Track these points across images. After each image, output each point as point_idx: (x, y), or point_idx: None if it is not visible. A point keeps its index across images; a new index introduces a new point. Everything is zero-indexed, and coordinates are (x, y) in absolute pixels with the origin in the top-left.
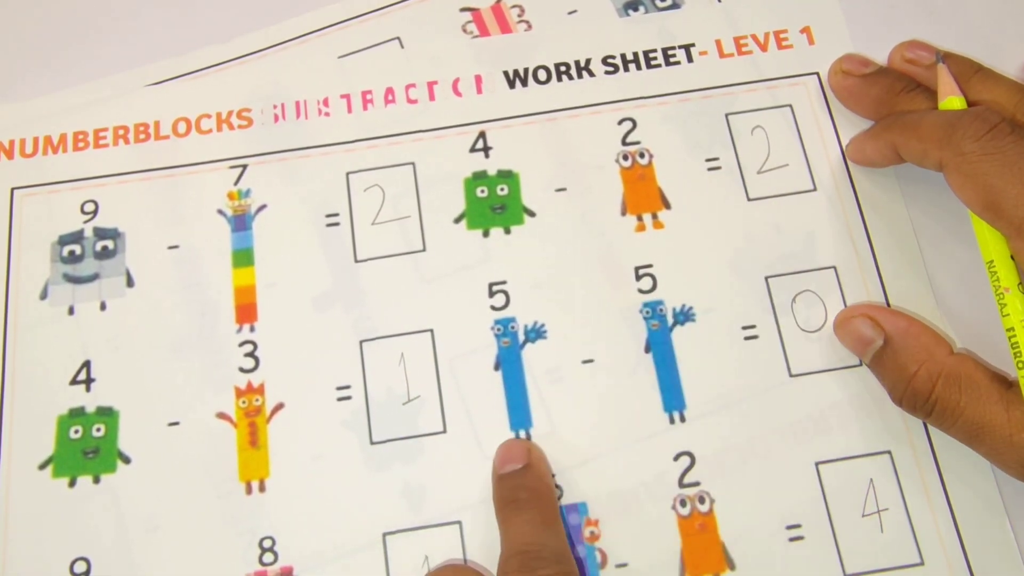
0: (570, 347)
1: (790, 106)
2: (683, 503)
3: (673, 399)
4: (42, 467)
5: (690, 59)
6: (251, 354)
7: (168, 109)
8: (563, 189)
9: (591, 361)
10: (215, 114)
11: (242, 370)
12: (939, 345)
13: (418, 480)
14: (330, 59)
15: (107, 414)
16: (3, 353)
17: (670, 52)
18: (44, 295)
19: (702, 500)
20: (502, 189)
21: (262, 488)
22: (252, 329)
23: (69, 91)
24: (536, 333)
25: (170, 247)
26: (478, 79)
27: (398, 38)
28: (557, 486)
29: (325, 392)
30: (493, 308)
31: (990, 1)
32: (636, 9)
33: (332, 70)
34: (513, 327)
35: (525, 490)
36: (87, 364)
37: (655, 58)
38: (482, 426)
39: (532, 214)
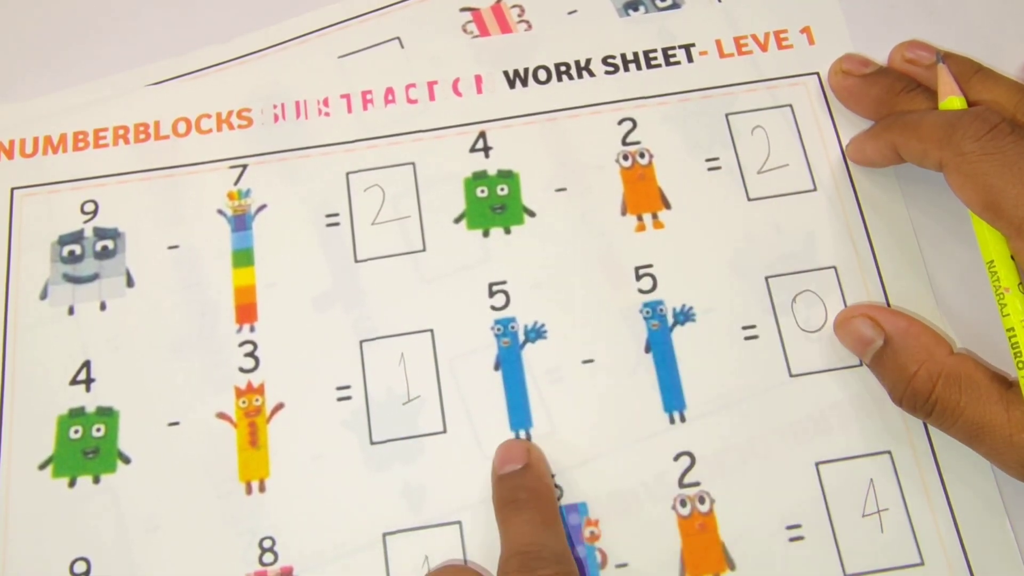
0: (570, 347)
1: (790, 106)
2: (683, 503)
3: (673, 399)
4: (42, 467)
5: (690, 59)
6: (251, 354)
7: (168, 109)
8: (563, 189)
9: (591, 361)
10: (215, 114)
11: (242, 370)
12: (939, 345)
13: (418, 480)
14: (330, 59)
15: (107, 414)
16: (3, 353)
17: (670, 52)
18: (44, 295)
19: (702, 500)
20: (502, 189)
21: (262, 488)
22: (252, 329)
23: (69, 91)
24: (536, 333)
25: (170, 247)
26: (478, 79)
27: (398, 38)
28: (557, 486)
29: (325, 392)
30: (493, 308)
31: (990, 1)
32: (636, 9)
33: (332, 70)
34: (513, 327)
35: (525, 490)
36: (87, 364)
37: (655, 58)
38: (482, 426)
39: (532, 214)
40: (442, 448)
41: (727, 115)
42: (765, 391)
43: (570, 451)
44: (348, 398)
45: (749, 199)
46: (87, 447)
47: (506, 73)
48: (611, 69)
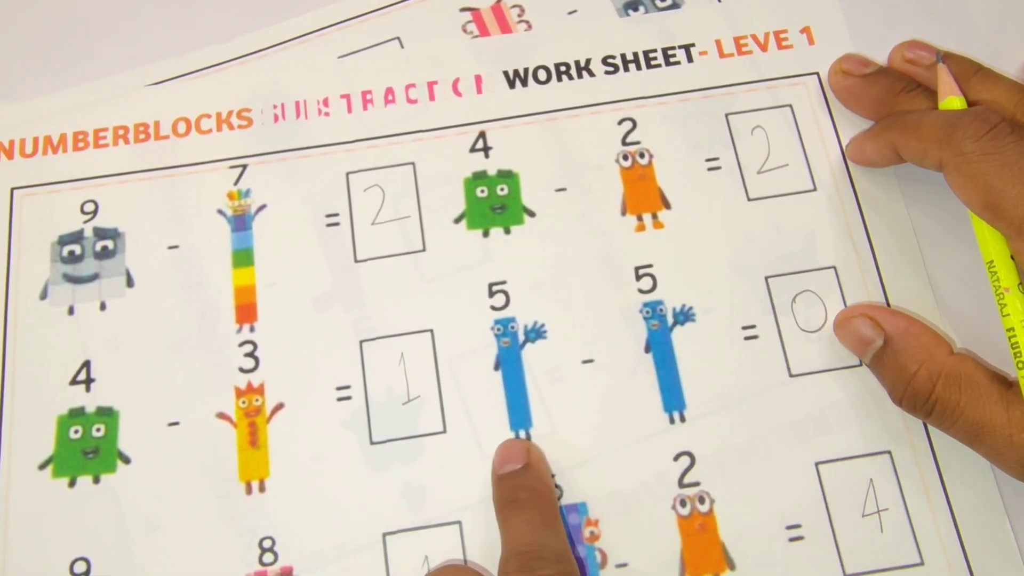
0: (570, 347)
1: (790, 106)
2: (683, 503)
3: (673, 399)
4: (42, 467)
5: (690, 59)
6: (251, 354)
7: (168, 109)
8: (563, 189)
9: (591, 361)
10: (215, 114)
11: (242, 370)
12: (939, 345)
13: (418, 480)
14: (330, 59)
15: (107, 414)
16: (3, 353)
17: (670, 52)
18: (44, 295)
19: (702, 500)
20: (502, 189)
21: (262, 488)
22: (252, 329)
23: (69, 91)
24: (536, 333)
25: (170, 247)
26: (478, 79)
27: (398, 38)
28: (557, 486)
29: (325, 392)
30: (493, 308)
31: (990, 1)
32: (636, 9)
33: (332, 70)
34: (513, 327)
35: (525, 490)
36: (87, 364)
37: (655, 58)
38: (482, 426)
39: (532, 214)
40: (442, 448)
41: (727, 115)
42: (765, 391)
43: (570, 451)
44: (348, 398)
45: (749, 199)
46: (87, 447)
47: (506, 73)
48: (611, 69)
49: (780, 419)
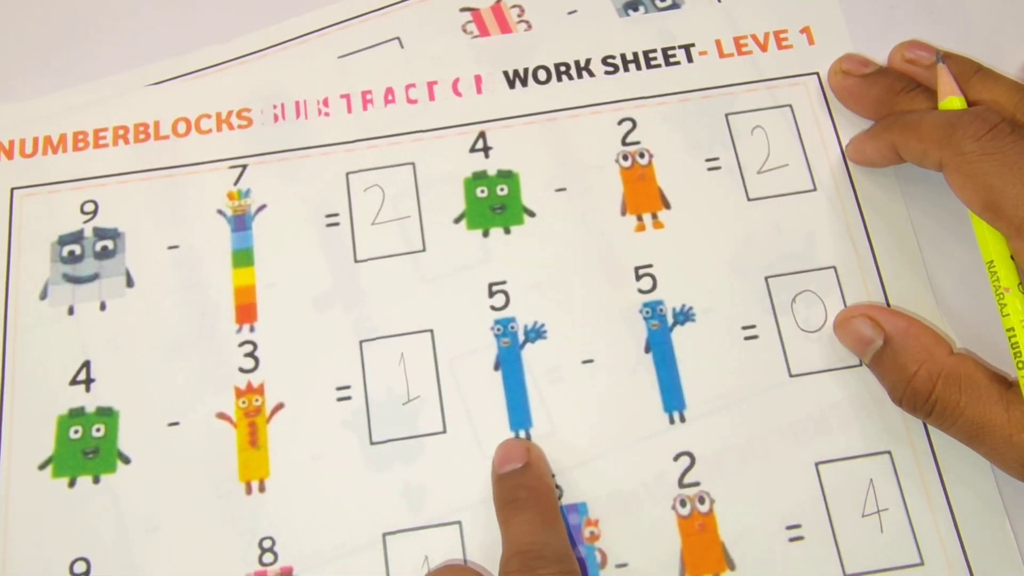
0: (570, 347)
1: (790, 106)
2: (683, 503)
3: (673, 399)
4: (42, 467)
5: (690, 59)
6: (251, 354)
7: (168, 109)
8: (563, 189)
9: (591, 361)
10: (215, 114)
11: (242, 370)
12: (939, 345)
13: (418, 480)
14: (330, 59)
15: (107, 414)
16: (3, 353)
17: (670, 52)
18: (44, 295)
19: (702, 500)
20: (502, 189)
21: (262, 488)
22: (252, 329)
23: (69, 91)
24: (536, 333)
25: (170, 247)
26: (478, 79)
27: (398, 38)
28: (557, 486)
29: (325, 392)
30: (493, 308)
31: (990, 1)
32: (636, 9)
33: (332, 70)
34: (513, 327)
35: (525, 489)
36: (87, 364)
37: (655, 58)
38: (482, 426)
39: (532, 214)
40: (442, 448)
41: (727, 115)
42: (765, 391)
43: (570, 451)
44: (348, 398)
45: (749, 199)
46: (87, 447)
47: (506, 73)
48: (611, 69)
49: (780, 419)
